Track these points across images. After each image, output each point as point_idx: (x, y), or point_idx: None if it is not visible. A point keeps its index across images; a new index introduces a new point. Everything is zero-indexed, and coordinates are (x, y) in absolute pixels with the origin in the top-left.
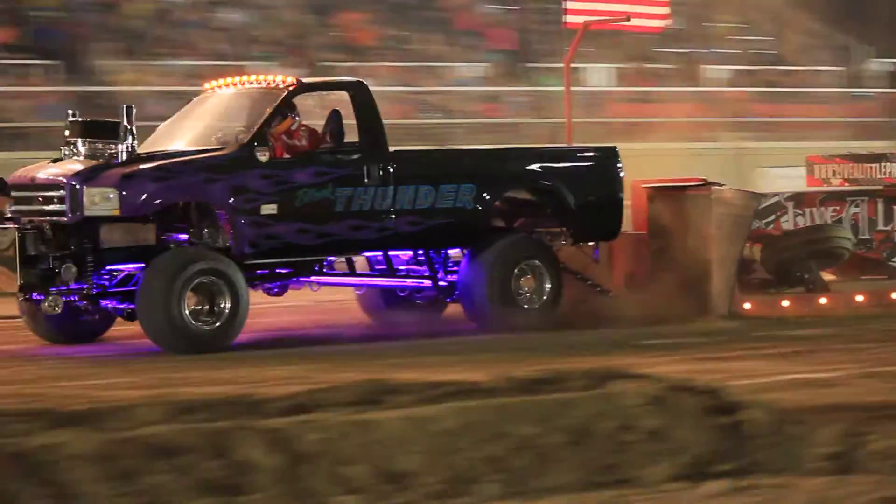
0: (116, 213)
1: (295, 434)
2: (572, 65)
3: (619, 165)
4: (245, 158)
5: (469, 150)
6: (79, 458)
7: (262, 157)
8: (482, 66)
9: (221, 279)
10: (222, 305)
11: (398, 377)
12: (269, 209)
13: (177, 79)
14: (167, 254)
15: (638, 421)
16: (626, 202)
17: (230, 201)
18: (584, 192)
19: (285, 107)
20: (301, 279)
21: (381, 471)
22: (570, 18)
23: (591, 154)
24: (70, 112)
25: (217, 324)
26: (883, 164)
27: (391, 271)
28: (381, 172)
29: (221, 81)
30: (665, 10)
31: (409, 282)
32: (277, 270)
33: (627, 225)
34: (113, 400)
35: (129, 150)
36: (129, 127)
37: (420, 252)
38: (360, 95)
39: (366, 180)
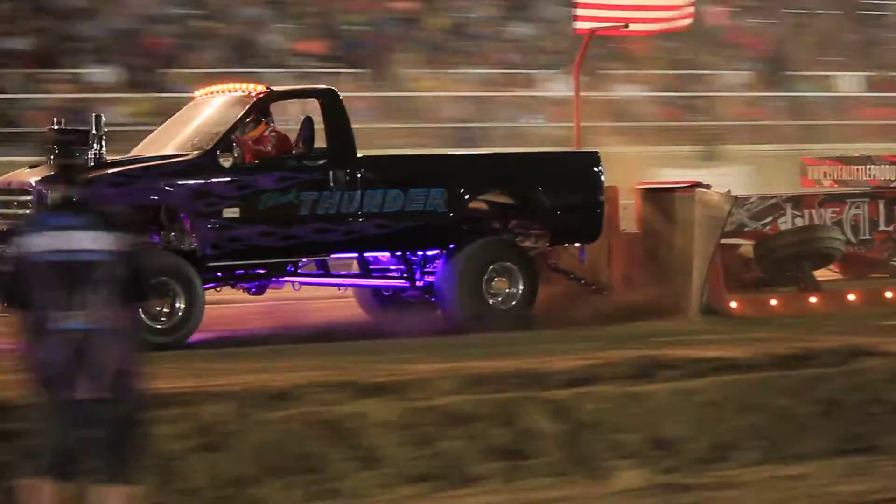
0: None
1: (574, 404)
2: (824, 73)
3: (599, 170)
4: (206, 164)
5: (440, 156)
6: (382, 424)
7: (226, 162)
8: (743, 73)
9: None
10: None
11: (668, 354)
12: (231, 213)
13: (471, 86)
14: None
15: (884, 394)
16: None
17: (190, 205)
18: (561, 196)
19: (255, 114)
20: (278, 279)
21: (651, 438)
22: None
23: (570, 159)
24: (54, 119)
25: None
26: (868, 166)
27: (366, 272)
28: (347, 177)
29: (209, 89)
30: None
31: (385, 282)
32: (254, 271)
33: (630, 225)
34: (412, 373)
35: (97, 156)
36: (97, 134)
37: (398, 253)
38: (330, 103)
39: (331, 185)
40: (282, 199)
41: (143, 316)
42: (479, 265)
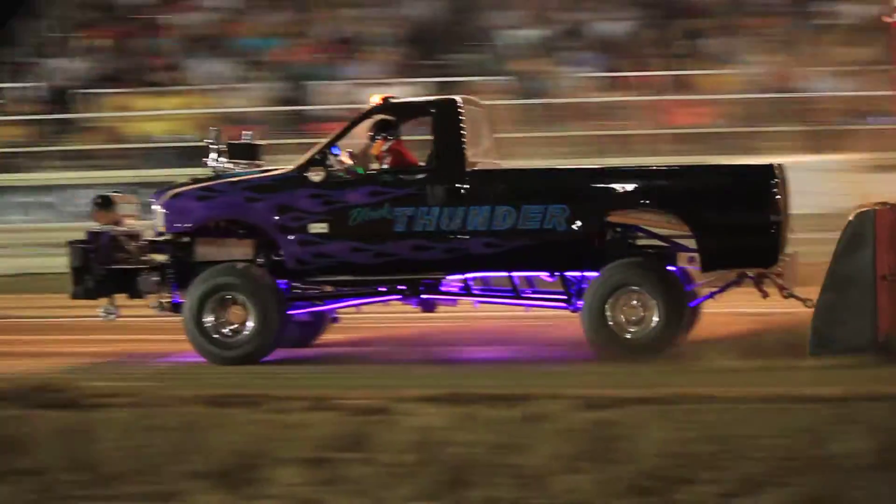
0: (163, 229)
1: None
2: None
3: (772, 185)
4: (294, 179)
5: (559, 170)
6: None
7: (316, 177)
8: None
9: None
10: None
11: None
12: (318, 228)
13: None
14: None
15: None
16: None
17: (274, 220)
18: (715, 216)
19: (362, 126)
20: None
21: None
22: None
23: (730, 174)
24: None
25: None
26: None
27: (515, 292)
28: (447, 192)
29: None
30: None
31: (541, 303)
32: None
33: None
34: None
35: (216, 168)
36: (215, 146)
37: (552, 273)
38: (443, 115)
39: (430, 200)
40: (373, 214)
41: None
42: (604, 289)
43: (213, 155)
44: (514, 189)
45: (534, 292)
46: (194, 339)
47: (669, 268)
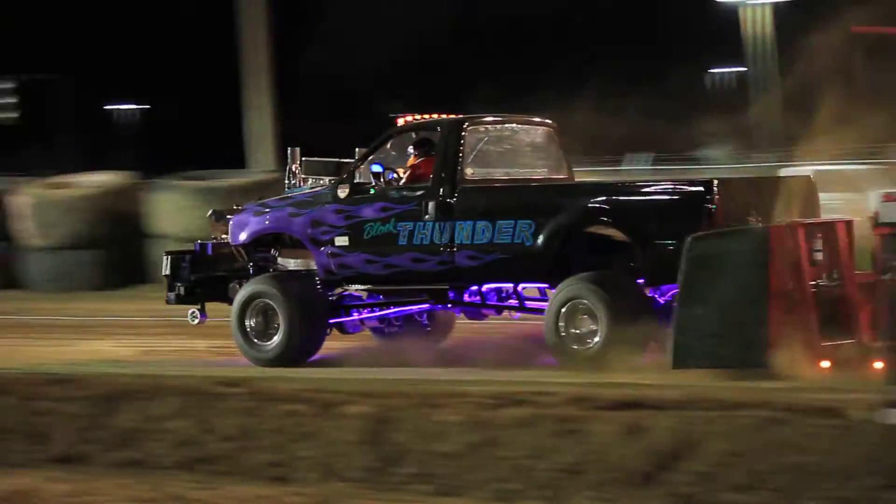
0: (227, 240)
1: None
2: None
3: (707, 201)
4: (326, 195)
5: (530, 186)
6: None
7: (342, 193)
8: None
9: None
10: None
11: None
12: (342, 241)
13: None
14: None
15: None
16: None
17: (308, 233)
18: (655, 231)
19: (382, 146)
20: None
21: None
22: None
23: (670, 191)
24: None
25: None
26: None
27: (520, 302)
28: (439, 208)
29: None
30: None
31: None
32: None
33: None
34: None
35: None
36: (290, 165)
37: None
38: (446, 135)
39: (425, 216)
40: (382, 228)
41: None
42: (556, 303)
43: (289, 173)
44: (489, 205)
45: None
46: (236, 340)
47: (636, 282)
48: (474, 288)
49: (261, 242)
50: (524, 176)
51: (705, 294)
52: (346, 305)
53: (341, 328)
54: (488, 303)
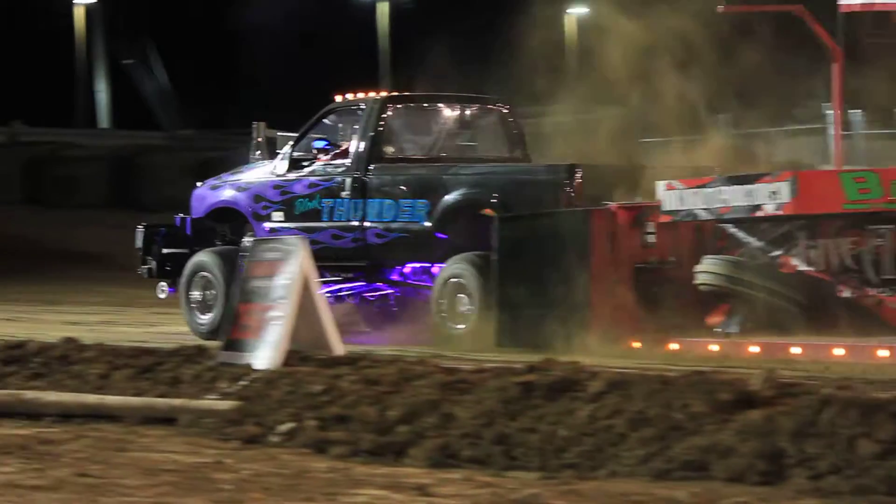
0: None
1: None
2: None
3: (566, 184)
4: (265, 171)
5: (425, 165)
6: None
7: (280, 169)
8: None
9: None
10: None
11: None
12: (278, 216)
13: None
14: None
15: None
16: None
17: (251, 207)
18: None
19: (318, 123)
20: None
21: None
22: None
23: (533, 172)
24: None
25: None
26: None
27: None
28: (354, 185)
29: None
30: None
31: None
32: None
33: None
34: None
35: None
36: (260, 142)
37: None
38: (367, 112)
39: (343, 193)
40: (309, 204)
41: None
42: (440, 280)
43: (254, 146)
44: (394, 184)
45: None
46: (182, 312)
47: None
48: (399, 267)
49: (223, 216)
50: (458, 155)
51: (522, 274)
52: None
53: None
54: (409, 282)
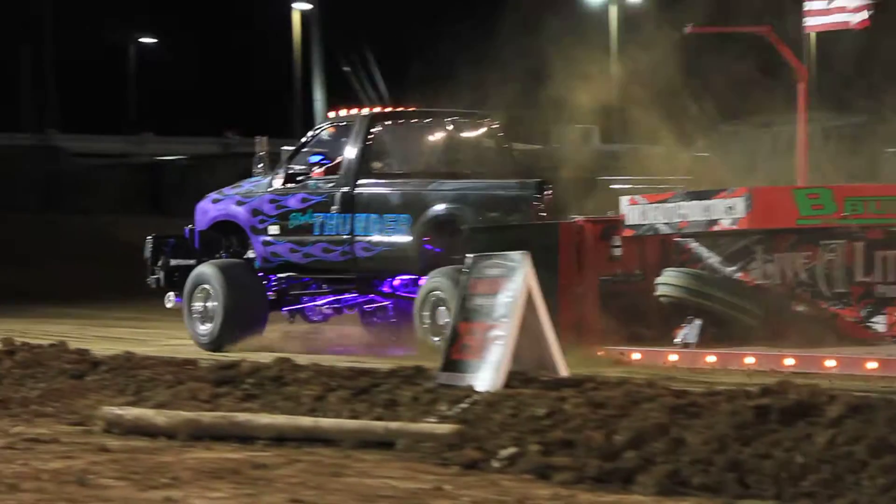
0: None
1: None
2: None
3: (536, 199)
4: (264, 185)
5: (405, 181)
6: None
7: (276, 183)
8: None
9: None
10: None
11: None
12: (273, 230)
13: None
14: None
15: None
16: None
17: (249, 221)
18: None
19: (313, 138)
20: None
21: None
22: None
23: (505, 188)
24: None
25: None
26: None
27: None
28: (343, 199)
29: None
30: None
31: None
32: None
33: None
34: None
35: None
36: (258, 153)
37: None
38: (356, 128)
39: (332, 207)
40: (302, 218)
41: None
42: (421, 294)
43: (257, 160)
44: (379, 199)
45: None
46: (185, 324)
47: None
48: (389, 280)
49: (225, 228)
50: (446, 170)
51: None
52: (293, 293)
53: (304, 316)
54: (398, 293)
